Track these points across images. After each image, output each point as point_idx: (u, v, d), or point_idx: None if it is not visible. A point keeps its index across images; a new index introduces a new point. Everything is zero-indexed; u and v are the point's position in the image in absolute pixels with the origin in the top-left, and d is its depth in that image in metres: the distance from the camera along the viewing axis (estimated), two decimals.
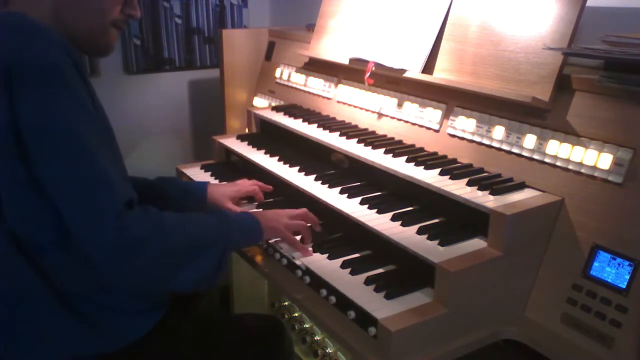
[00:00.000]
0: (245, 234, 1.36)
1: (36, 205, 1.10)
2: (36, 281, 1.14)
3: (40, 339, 1.17)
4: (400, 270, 1.33)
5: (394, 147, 1.60)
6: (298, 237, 1.42)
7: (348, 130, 1.77)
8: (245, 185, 1.69)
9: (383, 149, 1.59)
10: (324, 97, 2.06)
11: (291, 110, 2.05)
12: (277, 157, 1.81)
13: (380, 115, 1.80)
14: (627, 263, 1.14)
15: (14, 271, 1.14)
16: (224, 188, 1.67)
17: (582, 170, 1.25)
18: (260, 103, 2.41)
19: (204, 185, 1.66)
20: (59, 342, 1.17)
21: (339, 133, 1.75)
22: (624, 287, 1.14)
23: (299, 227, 1.42)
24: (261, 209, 1.60)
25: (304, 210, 1.47)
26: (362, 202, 1.45)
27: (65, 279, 1.16)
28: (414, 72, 1.63)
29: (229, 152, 2.05)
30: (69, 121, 1.05)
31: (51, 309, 1.16)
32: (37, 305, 1.16)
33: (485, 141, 1.46)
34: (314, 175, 1.63)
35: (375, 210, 1.41)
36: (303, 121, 1.90)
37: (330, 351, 1.33)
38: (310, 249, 1.40)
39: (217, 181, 1.90)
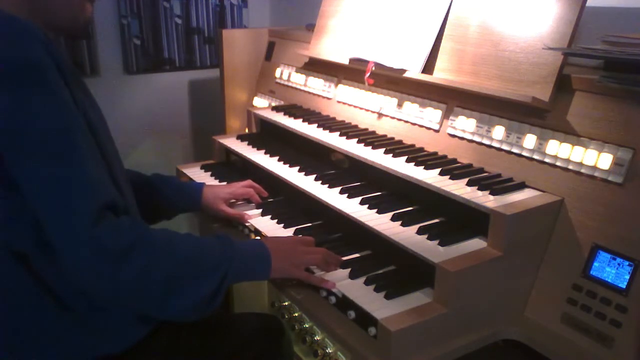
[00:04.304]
0: (252, 268, 1.23)
1: (13, 208, 1.05)
2: (32, 286, 1.11)
3: (42, 346, 1.15)
4: (400, 270, 1.33)
5: (394, 147, 1.60)
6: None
7: (348, 130, 1.77)
8: (239, 186, 1.68)
9: (383, 149, 1.59)
10: (324, 97, 2.06)
11: (291, 110, 2.05)
12: (277, 157, 1.81)
13: (380, 115, 1.80)
14: (627, 263, 1.14)
15: (9, 277, 1.11)
16: (219, 189, 1.65)
17: (582, 170, 1.25)
18: (260, 103, 2.41)
19: (200, 186, 1.65)
20: (60, 348, 1.16)
21: (339, 133, 1.75)
22: (624, 287, 1.14)
23: (315, 263, 1.31)
24: (277, 236, 1.46)
25: (323, 250, 1.35)
26: (362, 202, 1.45)
27: (61, 284, 1.12)
28: (414, 72, 1.63)
29: (229, 152, 2.05)
30: (44, 121, 1.00)
31: (52, 316, 1.14)
32: (36, 311, 1.13)
33: (485, 141, 1.46)
34: (314, 175, 1.63)
35: (375, 210, 1.41)
36: (303, 121, 1.90)
37: (330, 351, 1.33)
38: (334, 281, 1.27)
39: (217, 181, 1.90)
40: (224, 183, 1.85)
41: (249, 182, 1.71)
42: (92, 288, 1.04)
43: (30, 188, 1.01)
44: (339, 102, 1.98)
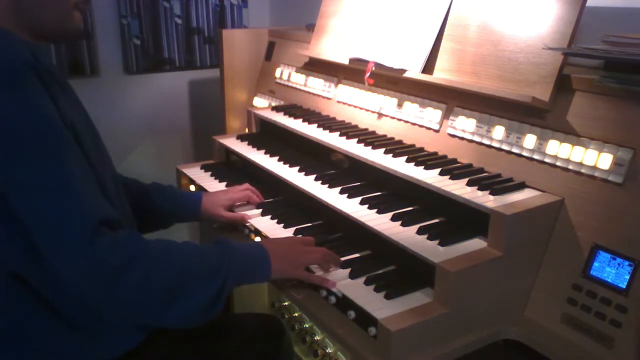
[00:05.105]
0: (251, 272, 1.22)
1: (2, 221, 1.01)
2: (27, 295, 1.09)
3: (40, 352, 1.14)
4: (400, 270, 1.33)
5: (394, 147, 1.60)
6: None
7: (348, 130, 1.77)
8: (236, 191, 1.68)
9: (383, 149, 1.59)
10: (324, 97, 2.06)
11: (291, 110, 2.05)
12: (277, 157, 1.81)
13: (380, 115, 1.80)
14: (627, 263, 1.14)
15: (3, 287, 1.09)
16: (217, 197, 1.65)
17: (582, 170, 1.25)
18: (260, 103, 2.41)
19: (199, 196, 1.63)
20: (59, 354, 1.15)
21: (339, 133, 1.75)
22: (624, 287, 1.14)
23: (314, 263, 1.31)
24: (277, 237, 1.47)
25: (322, 250, 1.34)
26: (362, 202, 1.45)
27: (56, 294, 1.08)
28: (414, 72, 1.63)
29: (229, 152, 2.06)
30: (22, 122, 0.98)
31: (48, 323, 1.12)
32: (32, 318, 1.12)
33: (485, 141, 1.46)
34: (314, 175, 1.63)
35: (375, 210, 1.41)
36: (303, 121, 1.90)
37: (330, 351, 1.33)
38: (335, 280, 1.27)
39: (217, 181, 1.90)
40: (224, 183, 1.85)
41: (246, 185, 1.71)
42: (91, 302, 1.03)
43: (17, 197, 0.98)
44: (339, 102, 1.98)
